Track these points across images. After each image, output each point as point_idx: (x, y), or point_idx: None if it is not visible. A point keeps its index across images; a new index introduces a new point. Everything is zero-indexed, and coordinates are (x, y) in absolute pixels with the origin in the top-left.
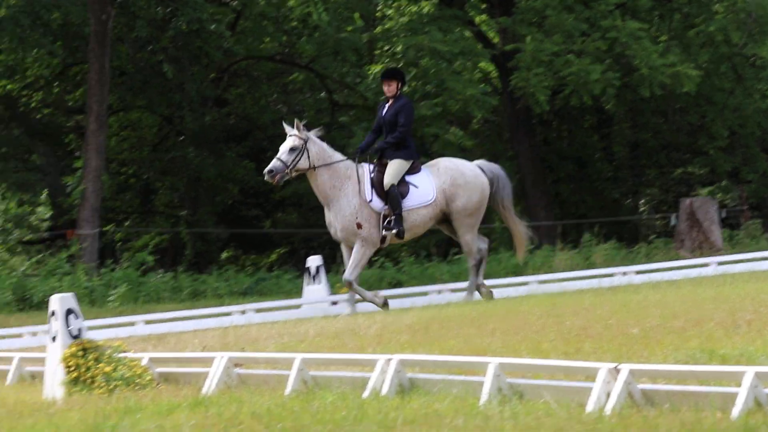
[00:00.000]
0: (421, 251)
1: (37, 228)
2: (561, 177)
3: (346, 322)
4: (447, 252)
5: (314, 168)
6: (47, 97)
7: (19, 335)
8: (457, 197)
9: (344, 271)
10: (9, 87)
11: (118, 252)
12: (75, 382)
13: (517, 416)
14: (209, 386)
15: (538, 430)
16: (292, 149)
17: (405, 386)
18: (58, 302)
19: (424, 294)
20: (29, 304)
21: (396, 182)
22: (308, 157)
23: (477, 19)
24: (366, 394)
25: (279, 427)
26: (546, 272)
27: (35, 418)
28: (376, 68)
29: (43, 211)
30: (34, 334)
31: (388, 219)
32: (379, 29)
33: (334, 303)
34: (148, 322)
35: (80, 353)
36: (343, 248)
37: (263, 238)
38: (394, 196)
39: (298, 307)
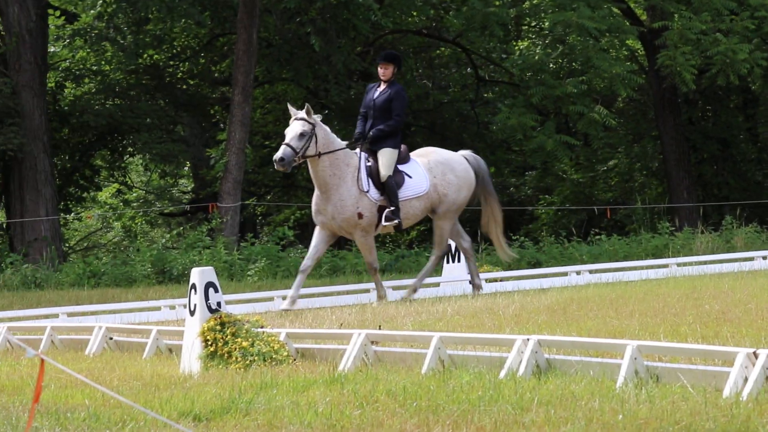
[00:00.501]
0: (561, 231)
1: (178, 200)
2: (704, 158)
3: (484, 302)
4: (587, 233)
5: (319, 155)
6: (193, 67)
7: (157, 308)
8: (449, 193)
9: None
10: (156, 57)
11: (259, 226)
12: (212, 356)
13: (653, 399)
14: (345, 363)
15: (673, 414)
16: (301, 135)
17: (542, 367)
18: (198, 276)
19: (563, 274)
20: (168, 277)
21: (391, 172)
22: (315, 143)
23: None
24: (502, 374)
25: (414, 405)
26: (686, 255)
27: (171, 392)
28: (523, 44)
29: (186, 183)
30: (173, 307)
31: (386, 210)
32: (527, 4)
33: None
34: (285, 298)
35: (218, 327)
36: (319, 232)
37: None
38: (391, 187)
39: (436, 285)
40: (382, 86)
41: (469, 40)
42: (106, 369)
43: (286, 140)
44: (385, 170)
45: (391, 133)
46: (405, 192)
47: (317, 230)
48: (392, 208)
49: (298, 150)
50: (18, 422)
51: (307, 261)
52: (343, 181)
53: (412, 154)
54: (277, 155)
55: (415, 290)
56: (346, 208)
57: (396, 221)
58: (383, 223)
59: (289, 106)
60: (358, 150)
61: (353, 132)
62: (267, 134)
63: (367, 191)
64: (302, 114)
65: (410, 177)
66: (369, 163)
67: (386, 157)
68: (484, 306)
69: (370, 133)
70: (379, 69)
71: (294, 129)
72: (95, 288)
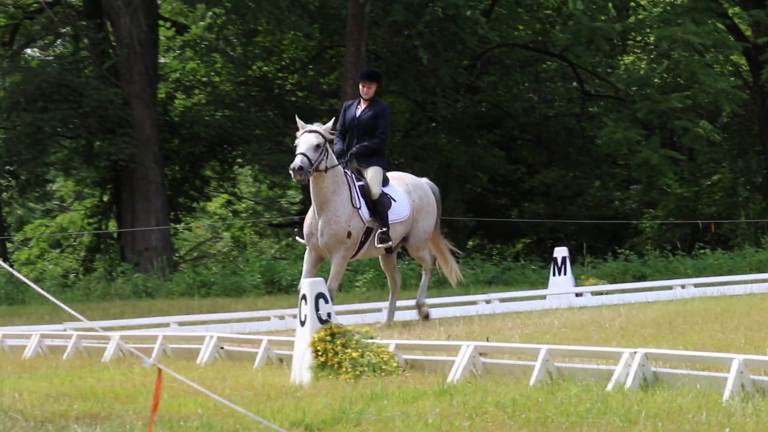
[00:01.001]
0: (666, 245)
1: (287, 211)
2: None
3: (590, 315)
4: (691, 247)
5: (326, 169)
6: (302, 79)
7: (267, 318)
8: (421, 218)
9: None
10: (265, 69)
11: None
12: (322, 366)
13: (759, 413)
14: (454, 375)
15: None
16: (317, 146)
17: (649, 380)
18: (308, 287)
19: (668, 288)
20: (277, 287)
21: (380, 191)
22: (326, 158)
23: (730, 12)
24: (610, 386)
25: (523, 417)
26: None
27: (282, 402)
28: (629, 59)
29: (294, 195)
30: (282, 317)
31: (380, 231)
32: (632, 19)
33: (579, 294)
34: (397, 309)
35: (328, 338)
36: (310, 255)
37: (510, 227)
38: (382, 206)
39: (543, 297)
40: (363, 104)
41: (575, 54)
42: (218, 378)
43: (302, 150)
44: (376, 188)
45: (376, 151)
46: (392, 216)
47: (308, 254)
48: (384, 229)
49: (313, 161)
50: (132, 429)
51: None
52: (339, 197)
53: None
54: (295, 164)
55: (422, 308)
56: (339, 224)
57: (389, 243)
58: (376, 244)
59: (297, 119)
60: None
61: (452, 143)
62: None
63: (359, 208)
64: (315, 126)
65: (395, 200)
66: (360, 182)
67: (375, 175)
68: (590, 319)
69: (354, 149)
70: (361, 87)
71: (309, 140)
72: (205, 297)
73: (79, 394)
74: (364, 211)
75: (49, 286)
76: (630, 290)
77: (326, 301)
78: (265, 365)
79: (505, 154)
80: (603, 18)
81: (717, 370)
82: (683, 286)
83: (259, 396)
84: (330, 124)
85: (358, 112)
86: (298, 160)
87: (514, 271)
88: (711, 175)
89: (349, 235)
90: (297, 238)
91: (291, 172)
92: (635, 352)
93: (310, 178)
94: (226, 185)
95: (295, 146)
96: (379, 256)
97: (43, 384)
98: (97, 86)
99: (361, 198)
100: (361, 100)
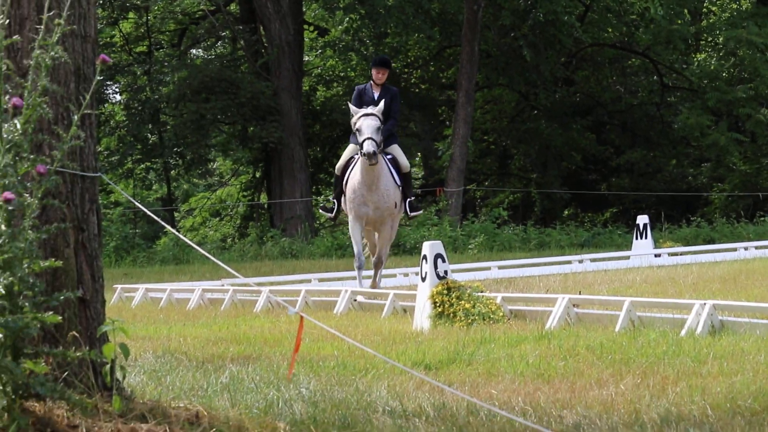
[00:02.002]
0: (731, 213)
1: (412, 185)
2: None
3: (667, 272)
4: (753, 215)
5: (382, 150)
6: (425, 74)
7: (393, 275)
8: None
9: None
10: (393, 65)
11: (478, 207)
12: (440, 315)
13: None
14: (551, 323)
15: None
16: (378, 128)
17: (716, 327)
18: (428, 248)
19: (734, 250)
20: (402, 249)
21: None
22: (381, 139)
23: None
24: (683, 332)
25: (609, 358)
26: None
27: (406, 345)
28: (701, 56)
29: (417, 171)
30: (406, 275)
31: (410, 200)
32: (704, 22)
33: (658, 255)
34: (501, 268)
35: (445, 292)
36: (358, 226)
37: (599, 199)
38: (410, 179)
39: (627, 258)
40: (376, 89)
41: (656, 52)
42: (351, 326)
43: (369, 134)
44: (406, 162)
45: (393, 133)
46: None
47: (357, 224)
48: (413, 198)
49: (378, 144)
50: (278, 369)
51: (361, 257)
52: (385, 174)
53: None
54: (368, 149)
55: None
56: (390, 197)
57: (421, 211)
58: (411, 213)
59: (351, 105)
60: None
61: (551, 128)
62: (486, 130)
63: (399, 185)
64: (370, 110)
65: None
66: (389, 156)
67: (401, 153)
68: (667, 276)
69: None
70: (375, 73)
71: (371, 124)
72: (341, 258)
73: (234, 338)
74: (399, 184)
75: (210, 248)
76: (701, 252)
77: (443, 261)
78: (392, 315)
79: (595, 137)
80: (679, 21)
81: None
82: (746, 248)
83: (386, 340)
84: (381, 106)
85: (376, 96)
86: (369, 146)
87: (603, 236)
88: None
89: (395, 205)
90: (326, 213)
91: (364, 157)
92: (705, 304)
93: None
94: None
95: (357, 130)
96: (372, 230)
97: (204, 330)
98: (251, 80)
99: (394, 172)
100: (373, 84)
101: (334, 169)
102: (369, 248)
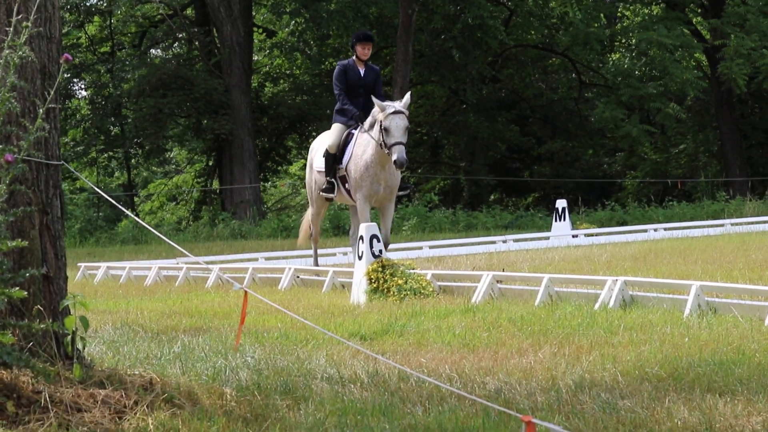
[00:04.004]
0: (643, 198)
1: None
2: (752, 144)
3: (583, 251)
4: (662, 200)
5: None
6: None
7: (334, 254)
8: None
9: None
10: (334, 64)
11: (412, 193)
12: (375, 291)
13: (711, 327)
14: (477, 297)
15: (727, 337)
16: (407, 129)
17: (627, 301)
18: (365, 230)
19: (644, 231)
20: (342, 231)
21: None
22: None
23: (694, 20)
24: (596, 306)
25: (529, 329)
26: (738, 217)
27: (343, 318)
28: (616, 56)
29: None
30: (345, 254)
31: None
32: (618, 26)
33: (575, 236)
34: (431, 247)
35: (380, 269)
36: (368, 205)
37: (522, 185)
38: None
39: (547, 238)
40: (361, 65)
41: (574, 52)
42: (294, 300)
43: (399, 138)
44: None
45: None
46: None
47: (368, 203)
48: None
49: (406, 145)
50: (226, 340)
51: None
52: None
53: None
54: (401, 159)
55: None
56: (398, 174)
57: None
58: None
59: (374, 99)
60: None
61: (479, 121)
62: (419, 123)
63: None
64: (399, 106)
65: None
66: None
67: None
68: (583, 255)
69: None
70: (358, 48)
71: (401, 124)
72: (286, 239)
73: (187, 312)
74: None
75: (166, 230)
76: (614, 233)
77: (378, 241)
78: (331, 290)
79: (519, 129)
80: (596, 24)
81: (679, 293)
82: (655, 230)
83: (326, 314)
84: (407, 99)
85: (362, 73)
86: (401, 154)
87: (525, 219)
88: (678, 145)
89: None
90: (327, 194)
91: (395, 164)
92: (617, 280)
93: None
94: (303, 152)
95: (384, 129)
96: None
97: (159, 304)
98: (204, 78)
99: None
100: (357, 60)
101: (279, 158)
102: (355, 225)
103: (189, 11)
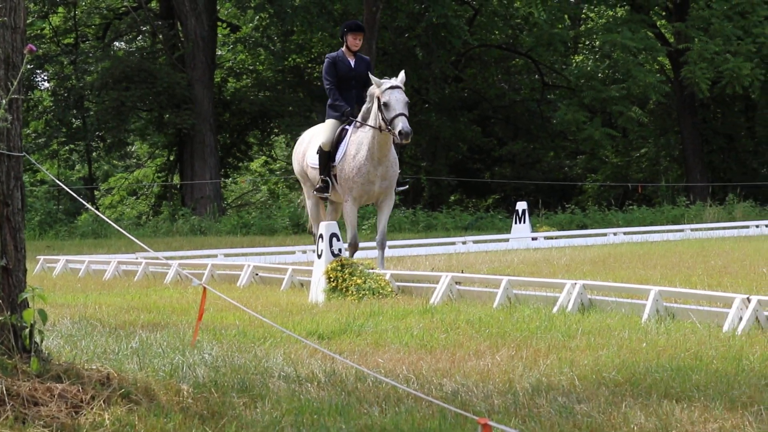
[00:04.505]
0: (603, 202)
1: None
2: (714, 149)
3: (542, 254)
4: (623, 204)
5: None
6: None
7: (293, 252)
8: None
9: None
10: (298, 60)
11: (410, 188)
12: (333, 290)
13: (669, 332)
14: (435, 298)
15: (684, 343)
16: (407, 103)
17: (585, 305)
18: (325, 228)
19: (604, 235)
20: (302, 229)
21: None
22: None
23: (658, 23)
24: (555, 309)
25: (487, 332)
26: (698, 222)
27: (302, 316)
28: (579, 58)
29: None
30: (304, 252)
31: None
32: (583, 27)
33: (534, 239)
34: (391, 247)
35: (339, 268)
36: (357, 206)
37: (483, 186)
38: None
39: (506, 240)
40: (351, 57)
41: (538, 53)
42: (252, 298)
43: (401, 110)
44: None
45: None
46: None
47: (355, 206)
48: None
49: (408, 119)
50: (184, 336)
51: (356, 240)
52: (391, 147)
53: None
54: (406, 129)
55: None
56: (396, 166)
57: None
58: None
59: (371, 76)
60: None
61: (440, 120)
62: None
63: None
64: (396, 82)
65: None
66: None
67: None
68: (542, 257)
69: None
70: (351, 39)
71: (401, 97)
72: (246, 236)
73: (145, 307)
74: None
75: (126, 224)
76: (574, 236)
77: (338, 240)
78: (290, 288)
79: (480, 129)
80: (560, 26)
81: (638, 298)
82: (615, 234)
83: (284, 312)
84: (403, 76)
85: (353, 64)
86: (405, 125)
87: (485, 220)
88: (639, 148)
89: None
90: (322, 194)
91: (399, 136)
92: (575, 283)
93: (381, 133)
94: (264, 149)
95: (383, 104)
96: (340, 204)
97: (118, 299)
98: (168, 72)
99: None
100: (346, 51)
101: (240, 154)
102: (313, 221)
103: (153, 4)
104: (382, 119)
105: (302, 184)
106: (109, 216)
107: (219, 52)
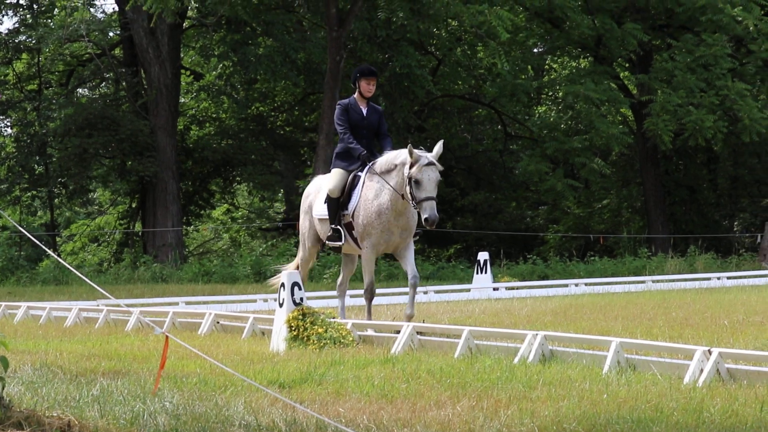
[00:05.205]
0: (565, 252)
1: (273, 219)
2: (676, 200)
3: (504, 305)
4: (584, 255)
5: None
6: (290, 117)
7: (254, 300)
8: None
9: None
10: (261, 109)
11: (422, 234)
12: (295, 338)
13: (630, 383)
14: (396, 348)
15: (645, 395)
16: (439, 183)
17: (546, 356)
18: (286, 277)
19: (565, 286)
20: (263, 277)
21: None
22: None
23: (621, 75)
24: (516, 360)
25: (448, 382)
26: (659, 274)
27: (263, 365)
28: (542, 108)
29: (279, 206)
30: (266, 300)
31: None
32: (546, 78)
33: (496, 289)
34: (352, 296)
35: (300, 317)
36: (376, 253)
37: (445, 236)
38: None
39: (468, 290)
40: (363, 104)
41: (501, 104)
42: (213, 346)
43: (430, 192)
44: None
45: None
46: None
47: (374, 253)
48: None
49: (437, 201)
50: (145, 384)
51: (374, 288)
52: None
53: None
54: (433, 216)
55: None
56: (415, 216)
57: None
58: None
59: (410, 147)
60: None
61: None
62: None
63: None
64: (432, 157)
65: None
66: None
67: None
68: (503, 308)
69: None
70: (362, 84)
71: (435, 177)
72: (207, 283)
73: (106, 354)
74: None
75: (88, 271)
76: (535, 287)
77: (300, 288)
78: (251, 337)
79: (443, 179)
80: (523, 77)
81: (599, 349)
82: (576, 285)
83: (245, 360)
84: (439, 149)
85: (365, 112)
86: (434, 213)
87: (447, 270)
88: (602, 199)
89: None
90: (335, 243)
91: (425, 222)
92: (537, 334)
93: (402, 198)
94: (227, 197)
95: (415, 181)
96: (355, 253)
97: (79, 346)
98: (131, 119)
99: None
100: (359, 98)
101: (203, 201)
102: (344, 281)
103: (117, 51)
104: (411, 194)
105: (301, 244)
106: (70, 262)
107: (182, 100)
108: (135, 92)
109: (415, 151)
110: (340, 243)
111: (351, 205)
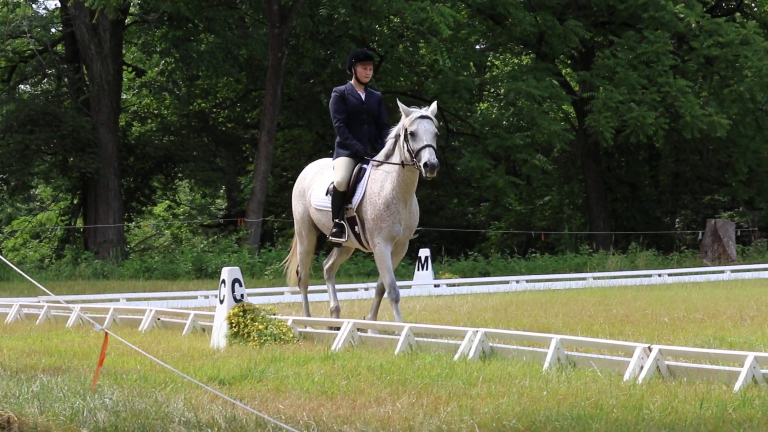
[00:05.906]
0: (506, 249)
1: (214, 215)
2: (617, 197)
3: (445, 301)
4: (526, 251)
5: None
6: (231, 114)
7: (195, 297)
8: None
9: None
10: (203, 105)
11: (276, 237)
12: (235, 335)
13: (570, 380)
14: (337, 344)
15: (585, 392)
16: (437, 135)
17: (487, 353)
18: (227, 273)
19: (506, 282)
20: (204, 274)
21: None
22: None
23: (563, 72)
24: (456, 357)
25: (388, 378)
26: (600, 271)
27: (203, 362)
28: (484, 105)
29: (221, 203)
30: (207, 297)
31: None
32: (488, 75)
33: (437, 286)
34: (293, 293)
35: (241, 313)
36: (389, 248)
37: None
38: None
39: (409, 287)
40: (361, 90)
41: (443, 100)
42: (154, 342)
43: (428, 141)
44: None
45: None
46: None
47: (389, 247)
48: None
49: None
50: (85, 380)
51: (397, 286)
52: (415, 187)
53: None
54: (433, 161)
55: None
56: (417, 214)
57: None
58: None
59: (399, 104)
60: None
61: None
62: (285, 167)
63: None
64: (427, 112)
65: None
66: None
67: None
68: (444, 305)
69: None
70: (359, 69)
71: (430, 128)
72: (148, 280)
73: (46, 351)
74: None
75: (29, 268)
76: (476, 283)
77: (240, 285)
78: (191, 333)
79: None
80: (465, 73)
81: (539, 346)
82: (517, 281)
83: (185, 357)
84: (435, 107)
85: (363, 98)
86: (433, 157)
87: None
88: (543, 196)
89: None
90: (337, 239)
91: (424, 168)
92: (477, 331)
93: (404, 169)
94: (168, 194)
95: (410, 133)
96: (347, 248)
97: (19, 343)
98: (73, 115)
99: None
100: (356, 84)
101: (144, 198)
102: (333, 265)
103: (59, 47)
104: (407, 150)
105: (297, 234)
106: (11, 259)
107: (124, 96)
108: (77, 88)
109: (407, 107)
110: (343, 240)
111: (355, 199)
